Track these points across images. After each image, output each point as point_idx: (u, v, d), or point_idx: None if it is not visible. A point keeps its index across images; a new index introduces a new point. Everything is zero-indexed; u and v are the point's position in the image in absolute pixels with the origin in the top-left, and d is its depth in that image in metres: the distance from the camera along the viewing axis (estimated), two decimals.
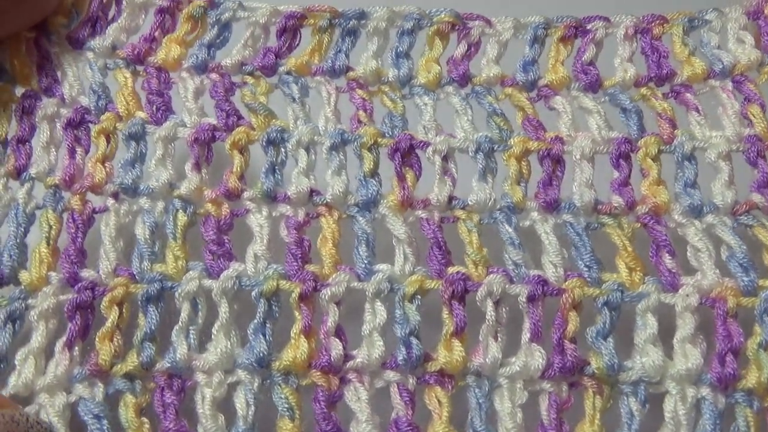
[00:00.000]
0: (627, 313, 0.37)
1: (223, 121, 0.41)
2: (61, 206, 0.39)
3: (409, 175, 0.41)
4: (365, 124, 0.42)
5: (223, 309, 0.37)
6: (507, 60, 0.44)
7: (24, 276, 0.37)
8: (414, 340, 0.36)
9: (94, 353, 0.36)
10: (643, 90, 0.43)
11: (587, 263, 0.38)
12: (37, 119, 0.41)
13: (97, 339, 0.36)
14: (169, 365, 0.36)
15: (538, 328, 0.36)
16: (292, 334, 0.37)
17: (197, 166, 0.40)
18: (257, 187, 0.40)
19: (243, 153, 0.41)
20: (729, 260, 0.38)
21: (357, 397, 0.36)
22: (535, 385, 0.36)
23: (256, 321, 0.37)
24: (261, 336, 0.36)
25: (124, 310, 0.37)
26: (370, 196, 0.40)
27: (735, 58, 0.43)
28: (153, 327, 0.36)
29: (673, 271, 0.38)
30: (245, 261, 0.38)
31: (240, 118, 0.42)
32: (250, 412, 0.35)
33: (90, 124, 0.41)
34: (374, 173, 0.41)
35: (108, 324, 0.36)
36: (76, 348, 0.36)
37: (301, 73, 0.43)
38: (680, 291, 0.37)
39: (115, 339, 0.36)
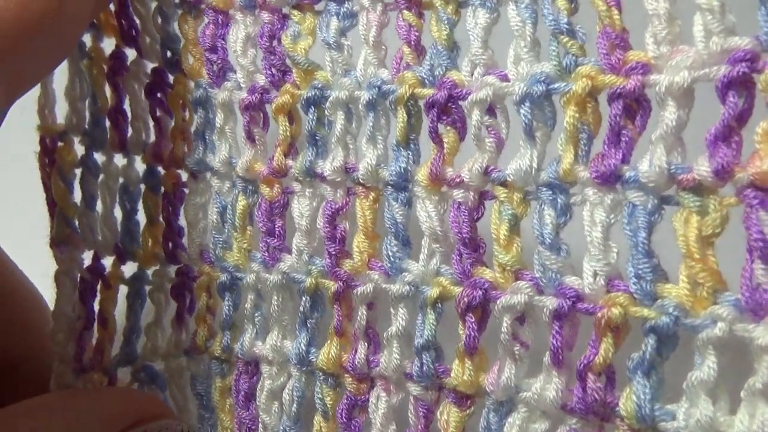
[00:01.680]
0: (688, 339, 0.29)
1: (270, 77, 0.39)
2: (157, 183, 0.42)
3: (449, 138, 0.34)
4: (408, 66, 0.35)
5: (275, 303, 0.39)
6: None
7: (138, 253, 0.43)
8: (425, 356, 0.34)
9: (194, 333, 0.42)
10: None
11: (640, 271, 0.29)
12: (125, 83, 0.42)
13: (194, 321, 0.42)
14: (239, 353, 0.40)
15: (560, 352, 0.31)
16: (329, 332, 0.37)
17: (251, 137, 0.39)
18: (298, 163, 0.38)
19: (291, 118, 0.38)
20: None
21: (376, 407, 0.36)
22: (556, 417, 0.31)
23: (299, 317, 0.38)
24: (304, 333, 0.38)
25: (211, 293, 0.41)
26: (399, 172, 0.35)
27: None
28: (230, 314, 0.40)
29: (764, 286, 0.26)
30: (292, 251, 0.39)
31: (285, 72, 0.39)
32: (293, 408, 0.38)
33: (168, 88, 0.42)
34: (408, 139, 0.35)
35: (200, 308, 0.42)
36: (183, 324, 0.42)
37: None
38: (765, 320, 0.26)
39: (207, 320, 0.41)
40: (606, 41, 0.30)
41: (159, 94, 0.42)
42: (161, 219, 0.43)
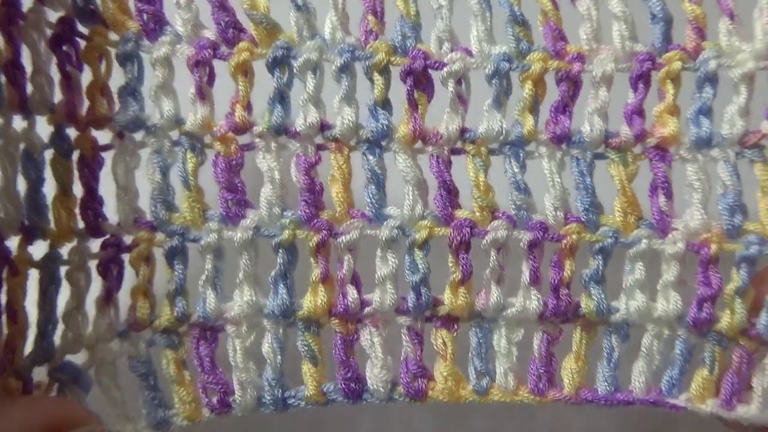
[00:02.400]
0: (618, 253, 0.40)
1: (222, 34, 0.38)
2: (68, 147, 0.37)
3: (421, 101, 0.39)
4: (376, 35, 0.39)
5: (245, 260, 0.39)
6: None
7: (49, 229, 0.37)
8: (423, 289, 0.39)
9: (132, 309, 0.39)
10: None
11: (586, 206, 0.40)
12: (22, 33, 0.36)
13: (131, 295, 0.39)
14: (200, 317, 0.39)
15: (537, 272, 0.40)
16: (311, 282, 0.39)
17: (201, 94, 0.38)
18: (265, 120, 0.39)
19: (247, 75, 0.39)
20: (720, 199, 0.39)
21: (371, 342, 0.40)
22: (530, 325, 0.40)
23: (276, 271, 0.39)
24: (282, 286, 0.39)
25: (151, 263, 0.39)
26: (380, 129, 0.39)
27: None
28: (182, 280, 0.39)
29: (666, 213, 0.40)
30: (259, 206, 0.39)
31: (241, 30, 0.39)
32: (277, 360, 0.39)
33: (78, 40, 0.38)
34: (385, 101, 0.39)
35: (140, 279, 0.39)
36: (113, 303, 0.39)
37: None
38: (669, 236, 0.40)
39: (148, 293, 0.39)
40: (551, 33, 0.39)
41: (66, 47, 0.37)
42: (75, 188, 0.38)
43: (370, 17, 0.39)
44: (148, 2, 0.38)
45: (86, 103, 0.38)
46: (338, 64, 0.39)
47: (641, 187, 0.40)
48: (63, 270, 0.38)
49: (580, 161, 0.40)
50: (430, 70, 0.39)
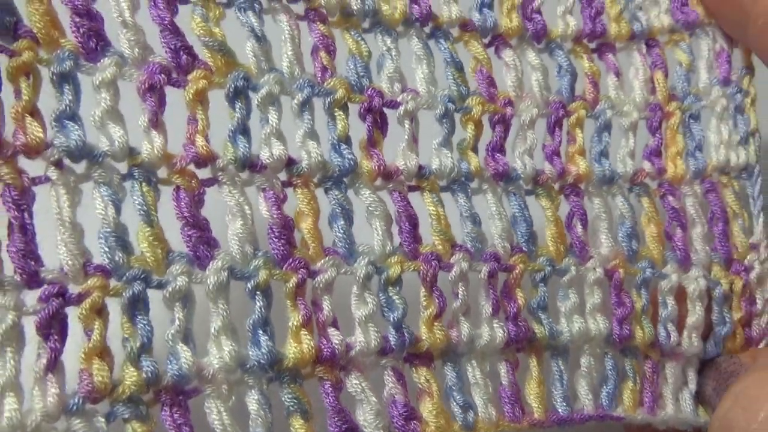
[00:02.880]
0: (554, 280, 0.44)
1: (174, 59, 0.35)
2: None
3: (379, 139, 0.40)
4: (331, 72, 0.39)
5: (221, 306, 0.35)
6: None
7: None
8: (404, 326, 0.38)
9: (86, 374, 0.31)
10: (577, 47, 0.46)
11: (525, 237, 0.42)
12: None
13: (82, 357, 0.32)
14: (174, 377, 0.33)
15: (497, 303, 0.41)
16: (291, 328, 0.36)
17: (155, 122, 0.34)
18: (229, 152, 0.36)
19: (203, 105, 0.36)
20: (619, 228, 0.45)
21: (361, 387, 0.37)
22: (495, 355, 0.41)
23: (255, 317, 0.35)
24: (262, 333, 0.35)
25: (105, 316, 0.33)
26: (346, 165, 0.38)
27: (650, 22, 0.47)
28: (149, 336, 0.33)
29: (583, 241, 0.44)
30: (229, 245, 0.35)
31: (194, 57, 0.36)
32: (268, 419, 0.35)
33: None
34: (347, 137, 0.39)
35: (95, 337, 0.32)
36: (58, 370, 0.31)
37: None
38: (589, 264, 0.44)
39: (105, 353, 0.32)
40: (484, 79, 0.43)
41: None
42: None
43: (323, 54, 0.39)
44: (88, 16, 0.34)
45: (11, 129, 0.32)
46: (300, 99, 0.38)
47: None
48: None
49: (517, 195, 0.43)
50: (384, 109, 0.40)
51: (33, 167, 0.32)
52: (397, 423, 0.38)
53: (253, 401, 0.35)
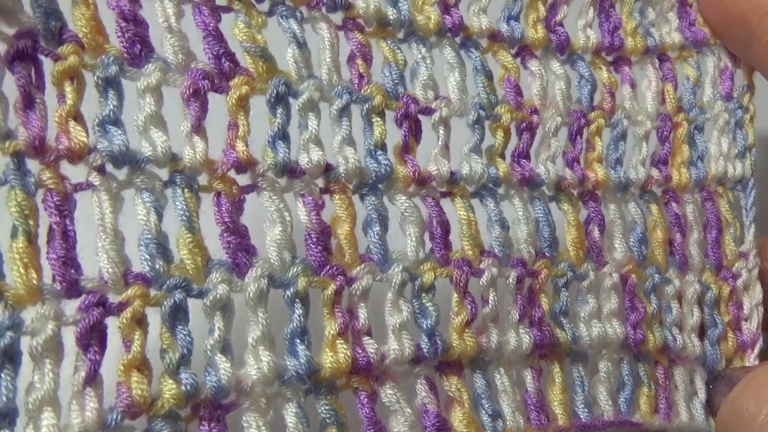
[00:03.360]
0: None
1: (217, 66, 0.35)
2: (31, 183, 0.30)
3: (413, 146, 0.40)
4: (367, 80, 0.39)
5: (261, 315, 0.34)
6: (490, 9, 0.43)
7: (8, 288, 0.29)
8: (437, 334, 0.38)
9: (125, 388, 0.30)
10: (597, 59, 0.47)
11: (548, 243, 0.43)
12: None
13: (122, 369, 0.31)
14: (213, 391, 0.32)
15: (525, 309, 0.41)
16: (327, 336, 0.35)
17: (198, 128, 0.34)
18: (269, 157, 0.35)
19: (246, 111, 0.35)
20: (631, 233, 0.46)
21: (396, 397, 0.37)
22: (520, 362, 0.41)
23: (293, 326, 0.35)
24: (300, 343, 0.34)
25: (143, 326, 0.32)
26: (383, 171, 0.38)
27: (662, 38, 0.49)
28: (189, 348, 0.32)
29: (600, 246, 0.45)
30: (267, 252, 0.35)
31: (237, 63, 0.35)
32: (306, 429, 0.34)
33: (41, 59, 0.31)
34: (383, 144, 0.39)
35: (135, 348, 0.31)
36: (98, 384, 0.30)
37: (298, 3, 0.37)
38: (605, 269, 0.45)
39: (145, 366, 0.31)
40: (512, 87, 0.43)
41: (25, 65, 0.30)
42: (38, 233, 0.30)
43: (360, 62, 0.39)
44: (135, 23, 0.33)
45: (54, 133, 0.31)
46: (339, 106, 0.37)
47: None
48: (26, 343, 0.29)
49: (541, 201, 0.44)
50: (419, 116, 0.40)
51: (72, 174, 0.31)
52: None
53: (291, 414, 0.34)
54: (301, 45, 0.37)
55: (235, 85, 0.35)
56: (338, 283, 0.36)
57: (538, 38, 0.44)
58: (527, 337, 0.41)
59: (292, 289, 0.35)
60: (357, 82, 0.38)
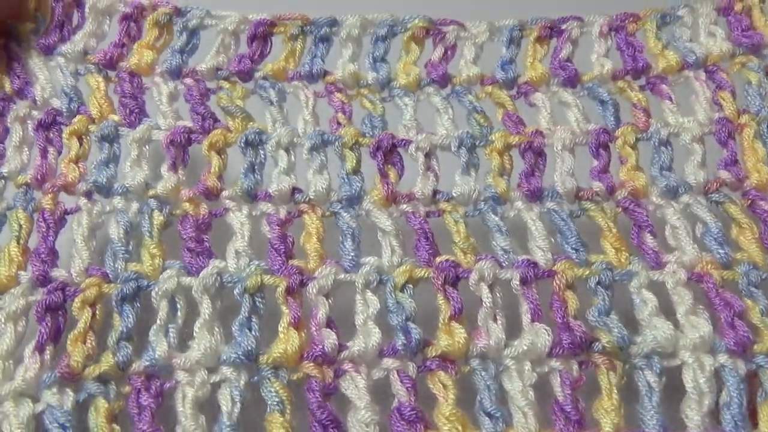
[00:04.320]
0: (622, 294, 0.38)
1: (199, 123, 0.42)
2: (32, 206, 0.39)
3: (392, 173, 0.42)
4: (345, 126, 0.43)
5: (205, 305, 0.37)
6: (484, 62, 0.46)
7: None
8: (412, 325, 0.36)
9: (66, 356, 0.34)
10: (620, 83, 0.45)
11: (574, 246, 0.39)
12: (9, 121, 0.42)
13: (68, 341, 0.35)
14: (147, 364, 0.35)
15: (537, 308, 0.37)
16: (281, 328, 0.36)
17: (174, 167, 0.41)
18: (237, 185, 0.40)
19: (220, 154, 0.41)
20: (704, 236, 0.40)
21: (355, 386, 0.35)
22: (543, 365, 0.36)
23: (240, 317, 0.36)
24: (247, 331, 0.36)
25: (97, 312, 0.36)
26: (354, 192, 0.40)
27: (707, 50, 0.46)
28: (129, 326, 0.36)
29: (656, 250, 0.39)
30: (226, 258, 0.38)
31: (216, 120, 0.43)
32: (235, 410, 0.34)
33: (62, 126, 0.42)
34: (357, 171, 0.41)
35: (80, 325, 0.35)
36: (47, 352, 0.35)
37: (278, 78, 0.45)
38: (666, 268, 0.38)
39: (88, 341, 0.35)
40: (509, 119, 0.43)
41: (49, 131, 0.42)
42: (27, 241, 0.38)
43: (340, 114, 0.43)
44: (132, 98, 0.43)
45: (60, 173, 0.40)
46: (308, 146, 0.42)
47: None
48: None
49: (559, 211, 0.40)
50: (399, 149, 0.42)
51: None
52: (396, 426, 0.34)
53: (225, 395, 0.34)
54: (273, 103, 0.43)
55: (211, 135, 0.41)
56: (292, 280, 0.37)
57: (538, 75, 0.45)
58: (544, 335, 0.36)
59: (240, 285, 0.37)
60: (334, 127, 0.43)
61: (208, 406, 0.34)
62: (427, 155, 0.42)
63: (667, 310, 0.37)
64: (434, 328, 0.36)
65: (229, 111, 0.43)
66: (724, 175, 0.42)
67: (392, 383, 0.35)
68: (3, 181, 0.40)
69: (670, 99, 0.44)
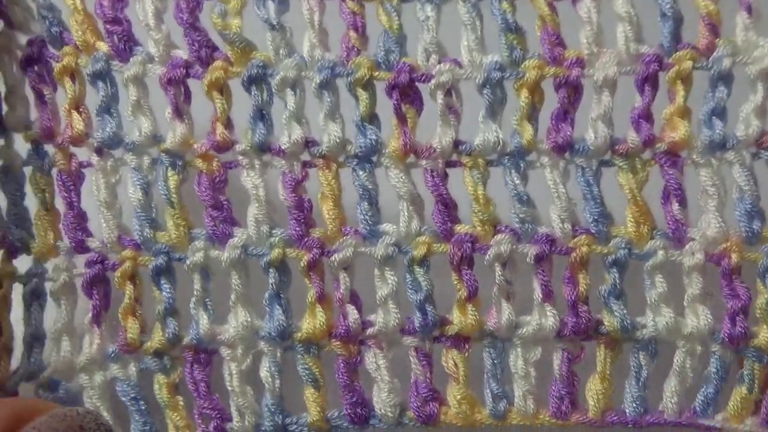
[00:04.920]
0: (637, 266, 0.38)
1: (195, 53, 0.39)
2: (47, 163, 0.39)
3: (410, 115, 0.39)
4: (358, 51, 0.39)
5: (235, 280, 0.39)
6: None
7: (33, 244, 0.39)
8: (429, 307, 0.38)
9: (122, 330, 0.39)
10: None
11: (596, 216, 0.38)
12: None
13: (120, 315, 0.39)
14: (194, 340, 0.39)
15: (548, 287, 0.38)
16: (308, 303, 0.39)
17: (178, 112, 0.39)
18: (247, 138, 0.39)
19: (223, 93, 0.39)
20: (737, 204, 0.38)
21: (376, 364, 0.39)
22: (548, 343, 0.39)
23: (269, 292, 0.39)
24: (277, 306, 0.39)
25: (137, 282, 0.39)
26: (369, 145, 0.38)
27: None
28: (171, 301, 0.39)
29: (681, 221, 0.38)
30: (246, 224, 0.39)
31: (215, 49, 0.39)
32: (276, 385, 0.39)
33: (49, 60, 0.39)
34: (372, 116, 0.39)
35: (126, 300, 0.39)
36: (103, 322, 0.39)
37: None
38: (687, 247, 0.38)
39: (137, 313, 0.39)
40: (548, 39, 0.38)
41: (37, 67, 0.39)
42: (56, 204, 0.39)
43: (352, 33, 0.39)
44: (116, 23, 0.39)
45: (64, 122, 0.39)
46: (317, 81, 0.38)
47: (653, 195, 0.38)
48: (49, 287, 0.39)
49: (586, 170, 0.38)
50: (417, 84, 0.38)
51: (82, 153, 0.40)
52: (414, 403, 0.39)
53: (264, 368, 0.39)
54: (275, 27, 0.38)
55: (210, 70, 0.38)
56: (313, 254, 0.38)
57: None
58: (553, 318, 0.38)
59: (265, 258, 0.38)
60: (346, 55, 0.39)
61: (253, 376, 0.39)
62: (449, 92, 0.38)
63: (680, 287, 0.38)
64: (450, 300, 0.39)
65: (227, 38, 0.38)
66: None
67: (411, 360, 0.39)
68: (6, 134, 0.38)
69: (749, 9, 0.37)
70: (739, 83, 0.37)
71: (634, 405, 0.38)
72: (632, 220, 0.38)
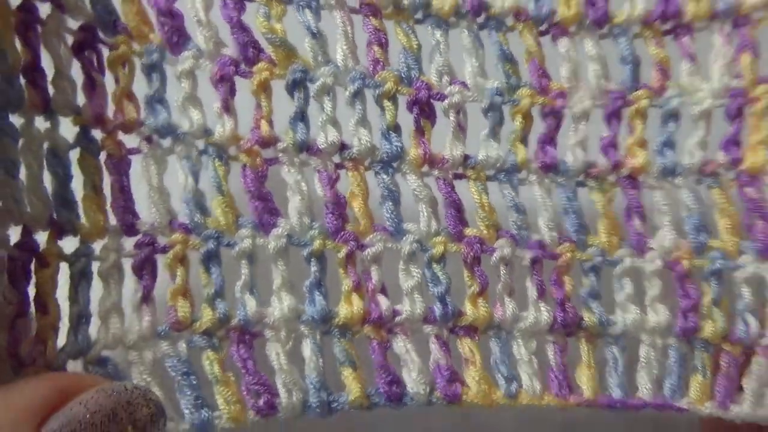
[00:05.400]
0: (608, 272, 0.46)
1: (243, 53, 0.42)
2: (95, 147, 0.40)
3: (427, 128, 0.44)
4: (383, 65, 0.44)
5: (281, 267, 0.42)
6: None
7: (81, 226, 0.39)
8: (448, 299, 0.43)
9: (173, 309, 0.40)
10: (647, 31, 0.46)
11: (575, 228, 0.46)
12: (42, 38, 0.38)
13: (169, 295, 0.40)
14: (242, 322, 0.41)
15: (542, 287, 0.45)
16: (343, 291, 0.43)
17: (226, 108, 0.42)
18: (289, 137, 0.43)
19: (267, 92, 0.42)
20: (686, 221, 0.46)
21: (406, 348, 0.43)
22: (542, 336, 0.45)
23: (311, 279, 0.42)
24: (318, 293, 0.42)
25: (186, 264, 0.41)
26: (394, 151, 0.44)
27: None
28: (221, 284, 0.41)
29: (641, 234, 0.46)
30: (289, 216, 0.42)
31: (260, 50, 0.42)
32: (320, 363, 0.41)
33: (100, 47, 0.40)
34: (396, 126, 0.44)
35: (178, 281, 0.40)
36: (153, 301, 0.40)
37: None
38: (647, 255, 0.46)
39: (187, 294, 0.41)
40: (536, 70, 0.46)
41: (87, 53, 0.40)
42: (104, 187, 0.40)
43: (376, 48, 0.44)
44: (171, 16, 0.41)
45: (112, 108, 0.40)
46: (352, 91, 0.43)
47: (622, 210, 0.47)
48: (95, 267, 0.39)
49: (566, 188, 0.46)
50: (432, 101, 0.44)
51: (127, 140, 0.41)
52: (440, 383, 0.43)
53: (307, 348, 0.42)
54: (316, 35, 0.43)
55: (258, 70, 0.42)
56: (350, 247, 0.43)
57: (571, 15, 0.45)
58: (546, 314, 0.45)
59: (308, 248, 0.42)
60: (372, 67, 0.44)
61: (297, 356, 0.41)
62: (458, 111, 0.44)
63: (641, 291, 0.46)
64: (462, 293, 0.44)
65: (272, 41, 0.42)
66: (721, 156, 0.45)
67: (431, 346, 0.44)
68: (55, 117, 0.38)
69: (691, 57, 0.45)
70: (687, 118, 0.46)
71: (619, 390, 0.45)
72: (604, 231, 0.46)
